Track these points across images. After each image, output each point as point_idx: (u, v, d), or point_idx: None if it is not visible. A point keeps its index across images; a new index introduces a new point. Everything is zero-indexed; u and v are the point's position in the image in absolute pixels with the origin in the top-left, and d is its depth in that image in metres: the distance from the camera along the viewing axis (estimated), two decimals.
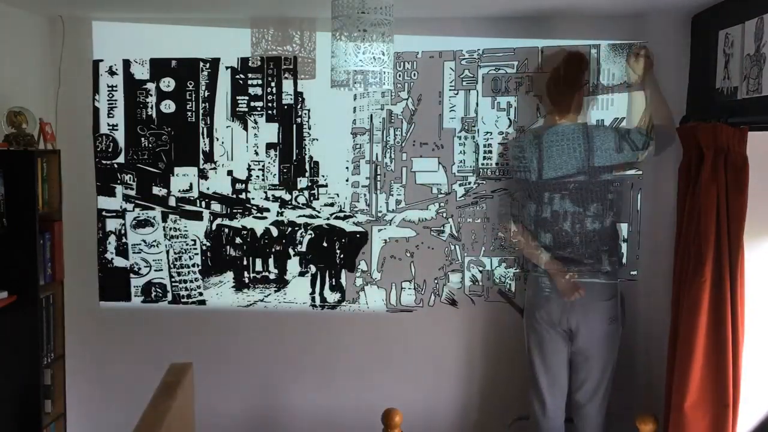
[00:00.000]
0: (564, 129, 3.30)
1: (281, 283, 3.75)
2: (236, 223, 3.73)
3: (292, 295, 3.76)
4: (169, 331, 3.79)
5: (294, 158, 3.69)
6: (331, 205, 3.71)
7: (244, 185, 3.72)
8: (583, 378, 3.32)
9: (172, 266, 3.77)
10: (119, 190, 3.74)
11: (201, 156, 3.71)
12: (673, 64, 3.46)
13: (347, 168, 3.68)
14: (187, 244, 3.76)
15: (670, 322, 3.24)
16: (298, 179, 3.70)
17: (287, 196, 3.71)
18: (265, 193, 3.71)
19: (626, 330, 3.58)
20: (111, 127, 3.72)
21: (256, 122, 3.69)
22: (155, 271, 3.78)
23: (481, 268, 3.68)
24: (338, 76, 2.66)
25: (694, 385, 2.90)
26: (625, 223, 3.57)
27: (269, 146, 3.70)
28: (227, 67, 3.67)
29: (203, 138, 3.70)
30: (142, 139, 3.71)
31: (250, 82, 3.67)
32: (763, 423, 3.06)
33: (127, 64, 3.68)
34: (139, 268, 3.77)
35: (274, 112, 3.68)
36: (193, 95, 3.69)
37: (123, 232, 3.75)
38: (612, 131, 3.32)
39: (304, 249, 3.73)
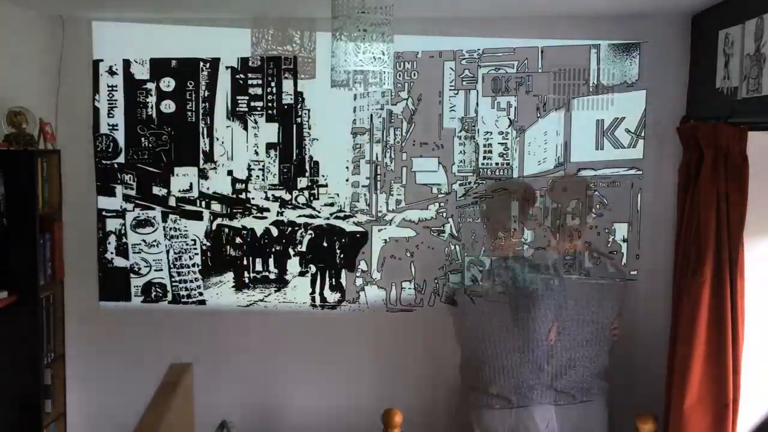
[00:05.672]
0: None
1: (281, 283, 3.75)
2: (236, 223, 3.73)
3: (292, 295, 3.76)
4: (169, 331, 3.79)
5: (294, 158, 3.69)
6: (331, 205, 3.71)
7: (244, 185, 3.72)
8: None
9: (172, 266, 3.77)
10: (119, 190, 3.74)
11: (201, 156, 3.71)
12: (673, 64, 3.46)
13: (347, 168, 3.68)
14: (187, 244, 3.76)
15: (670, 322, 3.24)
16: (298, 179, 3.70)
17: (287, 196, 3.71)
18: (266, 192, 3.71)
19: (626, 329, 3.59)
20: (111, 127, 3.72)
21: (256, 122, 3.68)
22: (155, 271, 3.78)
23: (481, 268, 3.68)
24: (338, 76, 2.66)
25: (694, 385, 2.90)
26: (625, 223, 3.57)
27: (269, 146, 3.69)
28: (227, 67, 3.67)
29: (203, 138, 3.70)
30: (142, 139, 3.71)
31: (250, 82, 3.67)
32: (763, 423, 3.07)
33: (127, 64, 3.68)
34: (139, 268, 3.77)
35: (274, 112, 3.68)
36: (193, 95, 3.68)
37: (123, 232, 3.75)
38: None
39: (304, 249, 3.73)
